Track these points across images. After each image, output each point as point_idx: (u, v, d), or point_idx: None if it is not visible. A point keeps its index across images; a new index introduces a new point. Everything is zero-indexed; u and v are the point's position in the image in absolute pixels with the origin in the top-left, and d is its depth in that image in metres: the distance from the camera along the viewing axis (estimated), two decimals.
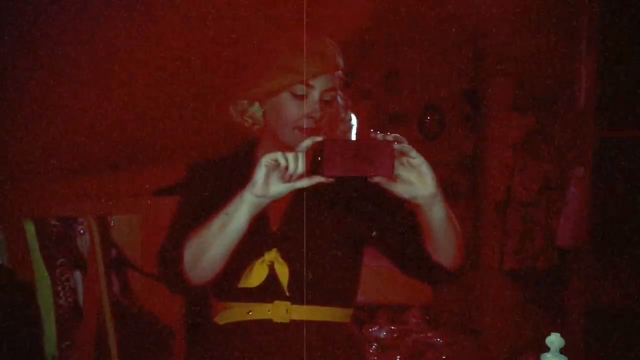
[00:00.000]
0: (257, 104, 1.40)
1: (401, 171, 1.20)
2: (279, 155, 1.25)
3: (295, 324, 1.32)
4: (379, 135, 1.19)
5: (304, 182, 1.25)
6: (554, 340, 1.02)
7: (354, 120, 2.15)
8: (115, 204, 1.97)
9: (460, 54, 3.38)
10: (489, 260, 3.29)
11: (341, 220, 1.39)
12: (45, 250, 1.61)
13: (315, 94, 1.36)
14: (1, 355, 1.44)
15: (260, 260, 1.32)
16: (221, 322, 1.35)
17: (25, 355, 1.54)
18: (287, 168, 1.25)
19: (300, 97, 1.36)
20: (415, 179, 1.21)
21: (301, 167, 1.24)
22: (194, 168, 1.45)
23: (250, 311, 1.33)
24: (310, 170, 1.26)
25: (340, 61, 1.39)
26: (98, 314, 1.65)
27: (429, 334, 2.50)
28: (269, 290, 1.32)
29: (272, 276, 1.32)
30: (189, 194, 1.44)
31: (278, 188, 1.26)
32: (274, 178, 1.26)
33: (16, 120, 1.85)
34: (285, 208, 1.38)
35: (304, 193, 1.37)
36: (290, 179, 1.25)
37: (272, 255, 1.33)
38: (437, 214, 1.25)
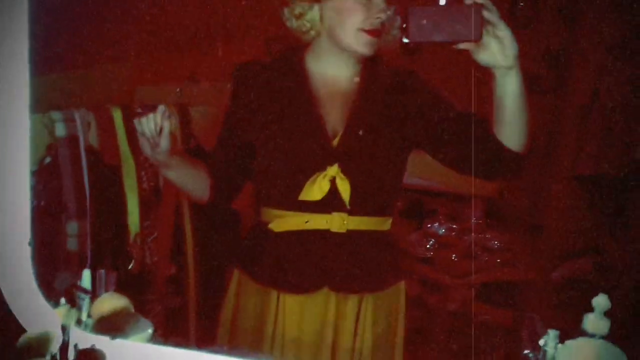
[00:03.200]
0: (316, 6, 1.36)
1: (485, 38, 1.19)
2: (135, 122, 1.31)
3: (342, 234, 1.39)
4: (467, 0, 1.17)
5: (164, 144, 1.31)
6: (601, 301, 1.05)
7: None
8: (195, 92, 2.04)
9: None
10: (562, 161, 3.25)
11: (395, 128, 1.40)
12: (131, 137, 1.72)
13: None
14: (93, 231, 1.60)
15: (322, 175, 1.36)
16: (276, 230, 1.41)
17: (114, 230, 1.71)
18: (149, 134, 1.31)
19: None
20: (497, 50, 1.20)
21: (154, 128, 1.30)
22: (239, 75, 1.45)
23: (307, 221, 1.38)
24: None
25: None
26: (176, 198, 1.78)
27: (487, 235, 2.55)
28: (324, 203, 1.37)
29: (331, 189, 1.36)
30: (234, 104, 1.46)
31: (147, 152, 1.34)
32: (145, 144, 1.33)
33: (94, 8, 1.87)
34: (344, 124, 1.39)
35: (360, 108, 1.38)
36: (153, 145, 1.32)
37: (334, 170, 1.36)
38: (511, 87, 1.25)
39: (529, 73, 1.32)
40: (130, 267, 1.66)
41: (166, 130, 1.30)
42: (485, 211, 2.83)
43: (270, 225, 1.41)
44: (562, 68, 3.37)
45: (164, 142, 1.31)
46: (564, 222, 3.14)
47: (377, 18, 1.33)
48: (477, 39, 1.17)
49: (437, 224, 2.54)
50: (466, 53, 1.25)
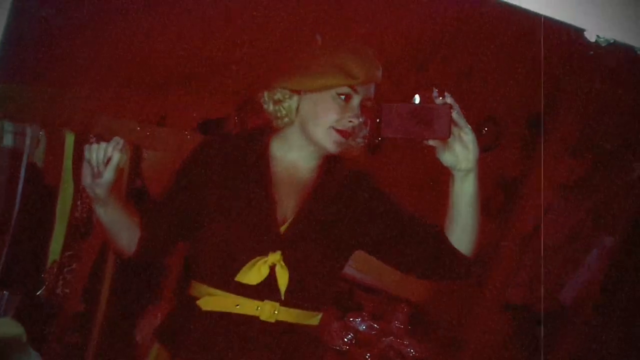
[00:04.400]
0: (296, 97, 1.40)
1: (450, 140, 1.25)
2: (85, 148, 1.29)
3: (270, 324, 1.35)
4: (438, 100, 1.23)
5: (108, 174, 1.28)
6: None
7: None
8: (154, 135, 2.04)
9: (534, 75, 3.27)
10: (494, 286, 3.30)
11: (343, 226, 1.41)
12: (77, 164, 1.70)
13: (357, 100, 1.39)
14: (13, 252, 1.55)
15: (263, 260, 1.33)
16: (204, 308, 1.36)
17: (32, 252, 1.66)
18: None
19: (346, 99, 1.38)
20: (460, 151, 1.26)
21: (102, 157, 1.28)
22: (202, 147, 1.43)
23: (238, 305, 1.34)
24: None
25: (380, 74, 1.42)
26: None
27: (405, 342, 2.55)
28: (258, 289, 1.34)
29: (268, 276, 1.33)
30: (189, 169, 1.43)
31: (87, 182, 1.30)
32: (87, 172, 1.30)
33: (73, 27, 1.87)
34: (295, 213, 1.40)
35: (313, 201, 1.40)
36: (96, 174, 1.29)
37: (276, 257, 1.34)
38: (468, 189, 1.29)
39: (480, 192, 1.38)
40: (39, 292, 1.61)
41: (114, 162, 1.27)
42: (410, 317, 2.84)
43: (199, 302, 1.36)
44: (512, 196, 3.47)
45: (108, 174, 1.27)
46: (485, 344, 3.16)
47: (350, 122, 1.38)
48: (445, 137, 1.24)
49: (359, 319, 2.54)
50: (423, 157, 1.30)
